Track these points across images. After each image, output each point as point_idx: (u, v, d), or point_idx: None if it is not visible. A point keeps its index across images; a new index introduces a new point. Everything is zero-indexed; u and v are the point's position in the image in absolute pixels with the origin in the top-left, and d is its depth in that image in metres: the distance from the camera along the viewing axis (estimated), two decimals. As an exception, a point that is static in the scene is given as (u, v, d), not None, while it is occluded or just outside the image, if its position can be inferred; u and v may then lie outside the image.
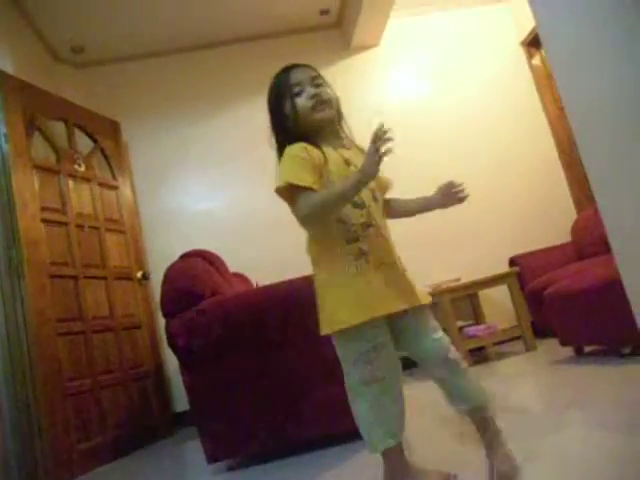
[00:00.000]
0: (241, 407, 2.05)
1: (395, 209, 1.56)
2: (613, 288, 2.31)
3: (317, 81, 1.41)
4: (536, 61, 4.46)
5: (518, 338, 3.50)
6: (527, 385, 2.57)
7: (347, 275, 1.29)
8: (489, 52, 4.51)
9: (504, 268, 3.90)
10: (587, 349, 2.73)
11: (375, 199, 1.40)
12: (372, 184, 1.36)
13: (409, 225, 4.00)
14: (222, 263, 2.68)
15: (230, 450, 2.08)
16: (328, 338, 2.06)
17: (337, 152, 1.38)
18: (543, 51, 4.25)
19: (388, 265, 1.34)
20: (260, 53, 4.31)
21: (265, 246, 3.91)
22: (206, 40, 4.24)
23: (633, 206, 1.64)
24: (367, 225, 1.33)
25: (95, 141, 3.68)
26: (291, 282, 2.13)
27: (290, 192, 1.28)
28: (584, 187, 4.25)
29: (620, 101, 1.60)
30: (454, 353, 1.41)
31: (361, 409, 1.31)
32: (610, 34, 1.58)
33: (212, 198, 4.07)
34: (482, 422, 1.38)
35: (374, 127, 1.25)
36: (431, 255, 4.04)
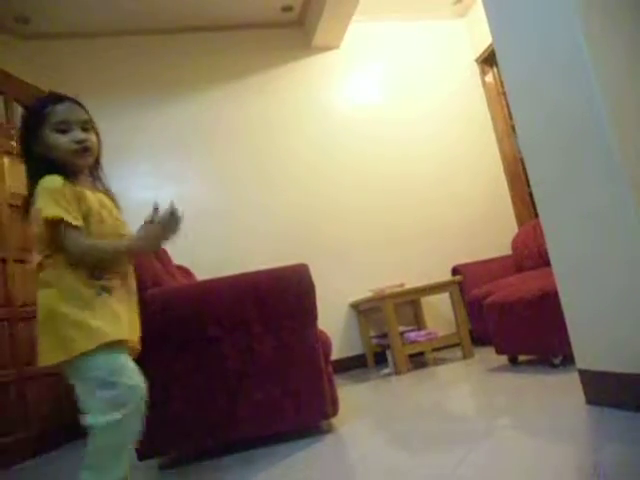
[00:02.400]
0: (176, 403, 1.98)
1: None
2: (547, 301, 2.41)
3: (86, 125, 1.42)
4: (489, 78, 4.60)
5: (456, 345, 3.59)
6: (461, 391, 2.63)
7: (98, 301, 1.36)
8: (445, 66, 4.61)
9: (447, 276, 4.00)
10: (521, 358, 2.83)
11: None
12: (119, 224, 1.48)
13: (357, 230, 4.07)
14: (165, 254, 2.59)
15: (163, 447, 2.01)
16: (268, 336, 2.04)
17: (93, 193, 1.42)
18: (496, 68, 4.41)
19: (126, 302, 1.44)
20: (218, 45, 4.23)
21: (211, 242, 3.83)
22: (162, 25, 4.11)
23: (574, 224, 1.71)
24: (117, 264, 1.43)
25: (36, 118, 3.48)
26: (233, 278, 2.09)
27: (53, 225, 1.29)
28: (526, 202, 4.43)
29: (568, 119, 1.66)
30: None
31: (113, 429, 1.28)
32: (561, 54, 1.65)
33: (161, 189, 3.93)
34: None
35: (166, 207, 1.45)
36: (377, 260, 4.09)
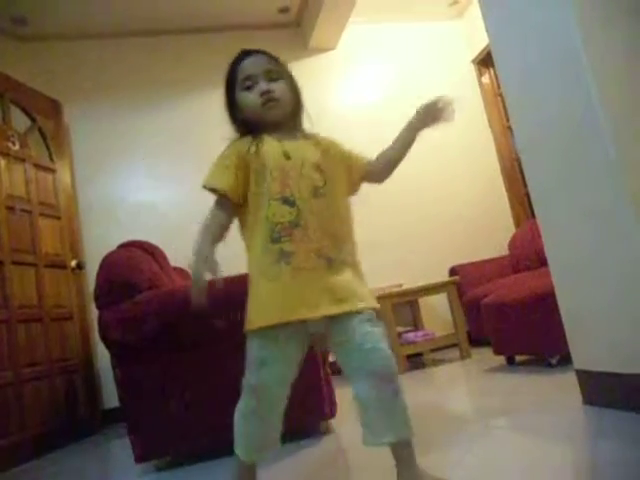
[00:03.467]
0: (174, 405, 1.98)
1: (380, 169, 1.47)
2: (544, 301, 2.42)
3: (272, 75, 1.32)
4: (485, 79, 4.61)
5: (454, 346, 3.60)
6: (459, 392, 2.64)
7: (265, 277, 1.23)
8: (441, 67, 4.62)
9: (444, 277, 4.01)
10: (518, 359, 2.84)
11: (317, 194, 1.26)
12: (315, 176, 1.26)
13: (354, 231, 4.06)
14: (163, 256, 2.59)
15: (160, 449, 2.00)
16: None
17: (280, 143, 1.28)
18: (493, 69, 4.42)
19: (311, 269, 1.19)
20: (214, 46, 4.22)
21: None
22: (159, 27, 4.10)
23: (571, 224, 1.72)
24: (294, 225, 1.21)
25: (33, 120, 3.48)
26: (231, 279, 2.09)
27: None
28: (523, 203, 4.44)
29: (565, 120, 1.67)
30: (392, 370, 1.23)
31: (237, 412, 1.27)
32: (558, 55, 1.65)
33: (157, 191, 3.93)
34: (401, 455, 1.22)
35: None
36: (375, 261, 4.08)
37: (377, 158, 1.46)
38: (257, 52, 1.37)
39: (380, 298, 3.45)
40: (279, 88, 1.31)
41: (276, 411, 1.25)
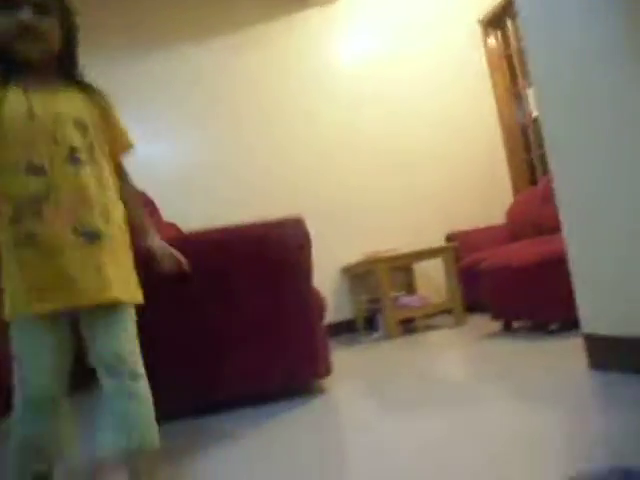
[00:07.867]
0: (161, 364, 1.90)
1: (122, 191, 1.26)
2: (545, 267, 2.37)
3: (43, 9, 1.09)
4: (491, 41, 4.45)
5: (448, 312, 3.55)
6: (451, 357, 2.59)
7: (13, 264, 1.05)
8: (447, 24, 4.42)
9: (440, 243, 3.94)
10: (515, 325, 2.79)
11: (72, 160, 1.08)
12: (75, 136, 1.09)
13: (350, 192, 3.97)
14: (155, 209, 2.49)
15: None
16: (252, 297, 1.94)
17: (29, 95, 1.07)
18: (500, 31, 4.26)
19: (61, 251, 1.04)
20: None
21: (202, 199, 3.71)
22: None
23: (586, 179, 1.64)
24: (42, 198, 1.03)
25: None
26: (216, 233, 1.98)
27: None
28: (523, 171, 4.35)
29: (586, 64, 1.57)
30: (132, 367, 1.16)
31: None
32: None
33: (152, 144, 3.76)
34: (136, 471, 1.12)
35: None
36: (370, 225, 4.01)
37: (125, 189, 1.28)
38: None
39: (376, 261, 3.39)
40: (45, 23, 1.10)
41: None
